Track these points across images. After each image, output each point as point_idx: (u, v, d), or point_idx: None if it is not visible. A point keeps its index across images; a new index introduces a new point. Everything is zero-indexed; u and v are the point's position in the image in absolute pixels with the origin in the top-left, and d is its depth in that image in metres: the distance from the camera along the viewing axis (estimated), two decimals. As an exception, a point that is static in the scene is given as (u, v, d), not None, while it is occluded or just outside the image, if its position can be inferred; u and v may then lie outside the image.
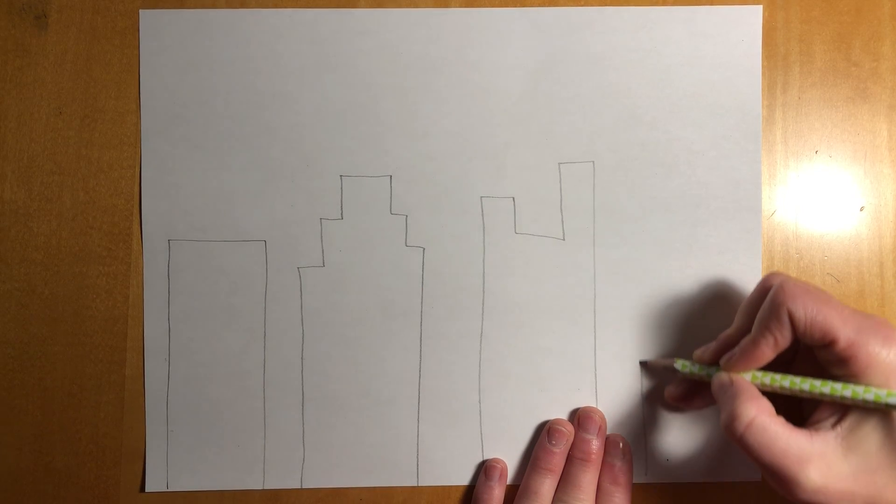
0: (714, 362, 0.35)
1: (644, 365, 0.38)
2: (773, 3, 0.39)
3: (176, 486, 0.38)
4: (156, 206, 0.38)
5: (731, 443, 0.38)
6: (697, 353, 0.36)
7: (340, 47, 0.39)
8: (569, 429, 0.37)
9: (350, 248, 0.38)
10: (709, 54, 0.38)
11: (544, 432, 0.38)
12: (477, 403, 0.39)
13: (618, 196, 0.39)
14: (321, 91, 0.38)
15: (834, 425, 0.30)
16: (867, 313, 0.31)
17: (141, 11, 0.39)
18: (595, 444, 0.37)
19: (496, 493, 0.38)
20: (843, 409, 0.31)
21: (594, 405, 0.38)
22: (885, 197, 0.39)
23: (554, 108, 0.39)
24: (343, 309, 0.38)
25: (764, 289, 0.33)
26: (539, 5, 0.39)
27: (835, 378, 0.31)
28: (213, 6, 0.39)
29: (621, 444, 0.38)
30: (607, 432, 0.38)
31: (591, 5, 0.39)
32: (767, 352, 0.31)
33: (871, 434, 0.30)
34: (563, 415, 0.38)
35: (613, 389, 0.38)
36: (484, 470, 0.38)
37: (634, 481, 0.38)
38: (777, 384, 0.32)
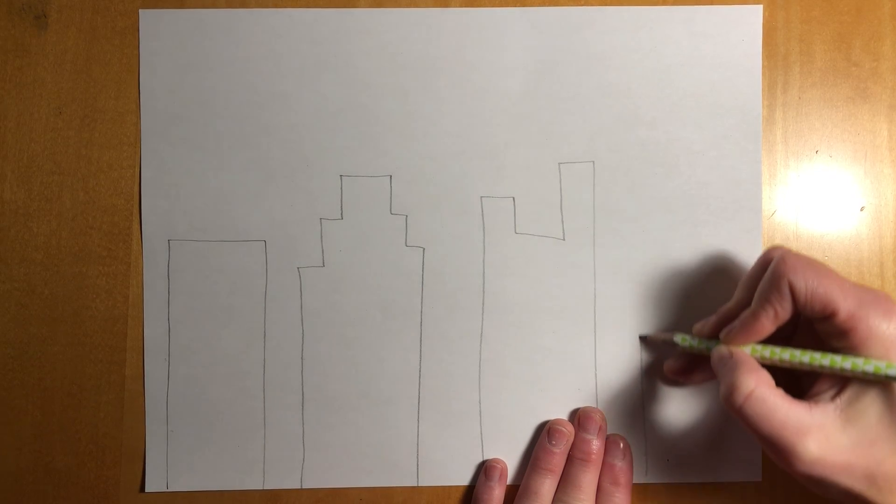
0: (714, 336, 0.35)
1: (644, 339, 0.38)
2: (773, 3, 0.39)
3: (176, 487, 0.38)
4: (156, 206, 0.38)
5: (729, 443, 0.38)
6: (697, 326, 0.36)
7: (340, 47, 0.39)
8: (569, 429, 0.37)
9: (350, 248, 0.38)
10: (709, 54, 0.38)
11: (544, 432, 0.38)
12: (477, 403, 0.39)
13: (618, 196, 0.39)
14: (321, 91, 0.38)
15: (833, 398, 0.30)
16: (868, 287, 0.31)
17: (141, 11, 0.39)
18: (595, 445, 0.37)
19: (496, 494, 0.38)
20: (842, 381, 0.31)
21: (594, 405, 0.38)
22: (885, 197, 0.39)
23: (554, 108, 0.39)
24: (343, 309, 0.38)
25: (765, 262, 0.33)
26: (539, 5, 0.39)
27: (834, 351, 0.31)
28: (213, 6, 0.39)
29: (621, 444, 0.38)
30: (607, 432, 0.38)
31: (591, 5, 0.39)
32: (767, 324, 0.31)
33: (870, 406, 0.30)
34: (563, 415, 0.38)
35: (613, 389, 0.38)
36: (484, 470, 0.38)
37: (634, 481, 0.38)
38: (777, 357, 0.32)
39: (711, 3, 0.39)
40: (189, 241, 0.38)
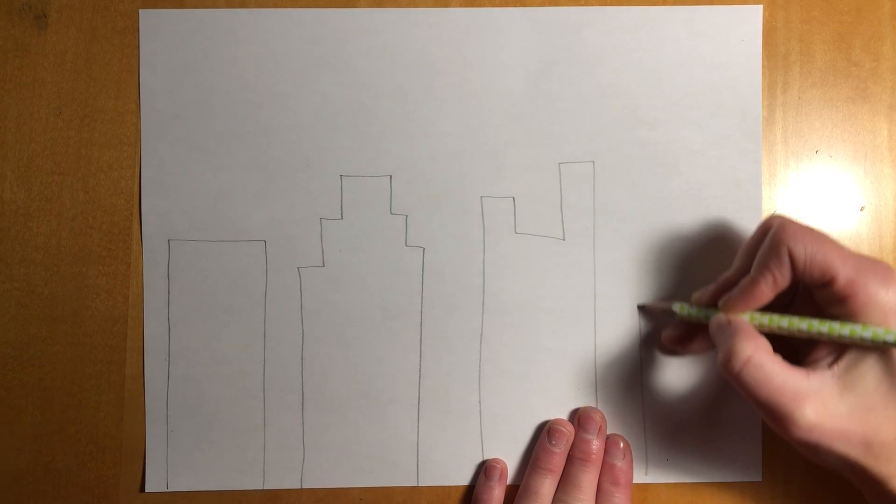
0: (712, 304, 0.35)
1: (642, 309, 0.38)
2: (773, 3, 0.39)
3: (176, 487, 0.38)
4: (156, 206, 0.38)
5: (729, 442, 0.38)
6: (696, 295, 0.36)
7: (340, 47, 0.39)
8: (569, 429, 0.37)
9: (350, 248, 0.38)
10: (709, 54, 0.38)
11: (544, 432, 0.38)
12: (477, 403, 0.39)
13: (618, 196, 0.39)
14: (321, 91, 0.38)
15: (831, 364, 0.30)
16: (867, 255, 0.31)
17: (141, 11, 0.39)
18: (595, 445, 0.37)
19: (496, 494, 0.38)
20: (840, 348, 0.31)
21: (594, 405, 0.38)
22: (885, 197, 0.39)
23: (554, 108, 0.39)
24: (343, 309, 0.38)
25: (764, 230, 0.32)
26: (539, 5, 0.39)
27: (833, 318, 0.31)
28: (213, 6, 0.39)
29: (622, 444, 0.38)
30: (607, 432, 0.38)
31: (591, 5, 0.39)
32: (766, 291, 0.31)
33: (867, 373, 0.30)
34: (563, 415, 0.38)
35: (613, 389, 0.38)
36: (484, 470, 0.38)
37: (634, 481, 0.38)
38: (775, 324, 0.32)
39: (711, 3, 0.39)
40: (189, 241, 0.38)
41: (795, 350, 0.34)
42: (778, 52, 0.39)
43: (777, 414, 0.29)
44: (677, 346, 0.37)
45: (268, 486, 0.38)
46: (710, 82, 0.38)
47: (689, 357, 0.38)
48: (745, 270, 0.33)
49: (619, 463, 0.37)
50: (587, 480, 0.37)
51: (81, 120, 0.39)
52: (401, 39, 0.39)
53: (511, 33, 0.39)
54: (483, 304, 0.38)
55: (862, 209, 0.39)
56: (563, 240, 0.39)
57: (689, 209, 0.38)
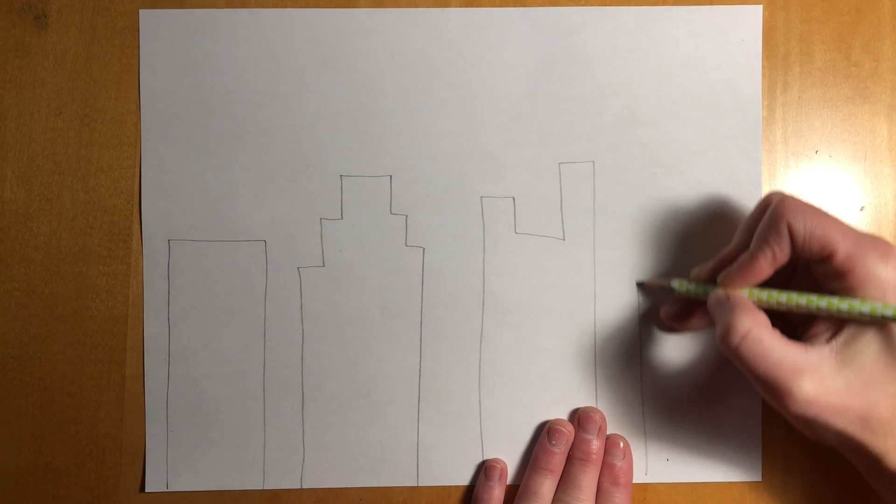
0: (711, 280, 0.34)
1: (641, 286, 0.38)
2: (773, 3, 0.39)
3: (176, 486, 0.38)
4: (156, 206, 0.38)
5: (729, 442, 0.38)
6: (695, 271, 0.36)
7: (340, 47, 0.39)
8: (569, 429, 0.37)
9: (350, 248, 0.38)
10: (709, 54, 0.38)
11: (544, 432, 0.38)
12: (477, 403, 0.39)
13: (618, 196, 0.39)
14: (321, 91, 0.38)
15: (829, 340, 0.31)
16: (867, 231, 0.31)
17: (141, 11, 0.39)
18: (595, 445, 0.37)
19: (496, 493, 0.38)
20: (838, 324, 0.31)
21: (594, 405, 0.38)
22: (885, 197, 0.39)
23: (554, 108, 0.39)
24: (343, 309, 0.38)
25: (764, 206, 0.32)
26: (539, 5, 0.39)
27: (831, 293, 0.31)
28: (213, 6, 0.39)
29: (622, 444, 0.38)
30: (607, 432, 0.38)
31: (591, 5, 0.39)
32: (765, 266, 0.31)
33: (865, 348, 0.30)
34: (563, 415, 0.38)
35: (613, 390, 0.38)
36: (484, 470, 0.38)
37: (634, 481, 0.38)
38: (774, 300, 0.32)
39: (711, 3, 0.39)
40: (189, 241, 0.38)
41: (794, 327, 0.34)
42: (778, 52, 0.39)
43: (775, 388, 0.29)
44: (676, 323, 0.37)
45: (268, 486, 0.38)
46: (710, 82, 0.38)
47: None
48: (744, 246, 0.33)
49: (619, 463, 0.37)
50: (587, 480, 0.37)
51: (81, 120, 0.39)
52: (401, 39, 0.39)
53: (511, 33, 0.39)
54: (483, 304, 0.38)
55: (862, 209, 0.39)
56: (563, 240, 0.39)
57: (689, 209, 0.38)
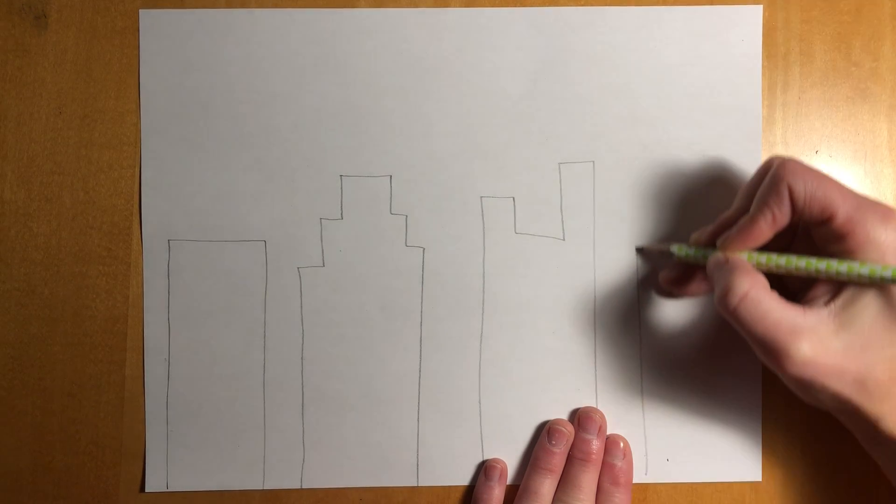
0: (711, 244, 0.34)
1: (640, 251, 0.38)
2: (773, 3, 0.39)
3: (176, 486, 0.38)
4: (156, 206, 0.38)
5: (729, 443, 0.38)
6: (694, 236, 0.36)
7: (340, 47, 0.39)
8: (569, 429, 0.37)
9: (350, 248, 0.38)
10: (709, 54, 0.38)
11: (544, 432, 0.38)
12: (477, 403, 0.39)
13: (618, 196, 0.39)
14: (321, 91, 0.38)
15: (827, 302, 0.31)
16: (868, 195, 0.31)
17: (141, 11, 0.39)
18: (595, 445, 0.37)
19: (496, 493, 0.38)
20: (837, 287, 0.31)
21: (594, 405, 0.38)
22: (885, 197, 0.39)
23: (554, 108, 0.39)
24: (343, 309, 0.38)
25: (765, 170, 0.32)
26: (539, 5, 0.39)
27: (831, 257, 0.31)
28: (213, 6, 0.39)
29: (621, 444, 0.38)
30: (607, 432, 0.38)
31: (591, 5, 0.39)
32: (765, 229, 0.31)
33: (863, 311, 0.30)
34: (563, 415, 0.38)
35: (613, 389, 0.38)
36: (484, 470, 0.38)
37: (634, 481, 0.38)
38: (773, 263, 0.32)
39: (711, 3, 0.39)
40: (189, 241, 0.38)
41: (794, 295, 0.34)
42: (778, 52, 0.39)
43: (772, 349, 0.29)
44: (675, 288, 0.37)
45: (268, 486, 0.38)
46: (710, 82, 0.38)
47: (688, 317, 0.38)
48: (744, 210, 0.33)
49: (619, 463, 0.37)
50: (587, 480, 0.37)
51: (81, 120, 0.39)
52: (401, 39, 0.39)
53: (511, 33, 0.39)
54: (483, 304, 0.38)
55: (862, 209, 0.39)
56: (563, 240, 0.39)
57: (689, 209, 0.38)
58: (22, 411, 0.38)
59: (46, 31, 0.39)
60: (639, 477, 0.38)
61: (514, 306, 0.38)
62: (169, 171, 0.38)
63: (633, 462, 0.38)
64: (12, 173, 0.39)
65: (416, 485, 0.39)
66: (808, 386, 0.30)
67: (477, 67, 0.39)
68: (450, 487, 0.39)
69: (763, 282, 0.31)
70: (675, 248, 0.35)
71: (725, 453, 0.38)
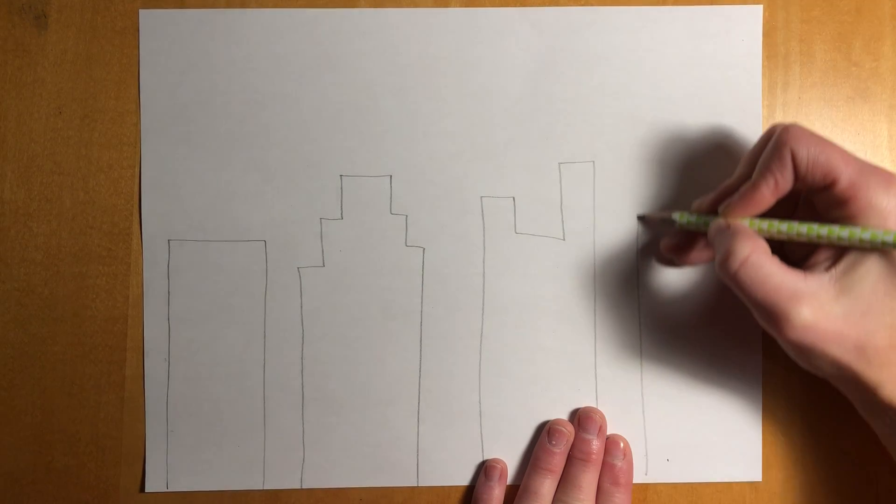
0: (713, 211, 0.34)
1: (642, 219, 0.38)
2: (773, 3, 0.39)
3: (176, 487, 0.38)
4: (156, 206, 0.38)
5: (729, 443, 0.38)
6: (696, 203, 0.36)
7: (340, 47, 0.39)
8: (569, 429, 0.37)
9: (350, 248, 0.38)
10: (709, 54, 0.38)
11: (544, 432, 0.38)
12: (477, 403, 0.39)
13: (618, 196, 0.39)
14: (321, 91, 0.38)
15: (829, 268, 0.30)
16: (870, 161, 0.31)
17: (141, 11, 0.39)
18: (595, 445, 0.37)
19: (496, 493, 0.38)
20: (838, 253, 0.31)
21: (594, 405, 0.38)
22: (885, 197, 0.39)
23: (554, 108, 0.39)
24: (343, 309, 0.38)
25: (767, 138, 0.32)
26: (539, 5, 0.39)
27: (832, 223, 0.31)
28: (213, 6, 0.39)
29: (621, 444, 0.38)
30: (608, 432, 0.38)
31: (591, 5, 0.39)
32: (767, 195, 0.31)
33: (864, 277, 0.30)
34: (563, 415, 0.38)
35: (613, 389, 0.38)
36: (484, 470, 0.38)
37: (634, 481, 0.38)
38: (774, 229, 0.32)
39: (711, 3, 0.39)
40: (189, 241, 0.38)
41: (795, 263, 0.34)
42: (778, 52, 0.39)
43: (773, 313, 0.29)
44: (676, 256, 0.37)
45: (268, 486, 0.38)
46: (710, 82, 0.38)
47: (688, 303, 0.38)
48: (746, 177, 0.33)
49: (619, 463, 0.37)
50: (587, 480, 0.37)
51: (81, 120, 0.39)
52: (401, 39, 0.39)
53: (511, 33, 0.39)
54: (483, 304, 0.38)
55: (862, 209, 0.39)
56: (563, 240, 0.39)
57: (688, 209, 0.38)
58: (22, 411, 0.38)
59: (46, 31, 0.39)
60: (639, 477, 0.38)
61: (514, 306, 0.38)
62: (169, 171, 0.38)
63: (633, 462, 0.38)
64: (12, 173, 0.39)
65: (416, 485, 0.39)
66: (807, 352, 0.30)
67: (477, 67, 0.39)
68: (450, 487, 0.39)
69: (764, 246, 0.31)
70: (677, 216, 0.35)
71: (725, 453, 0.38)
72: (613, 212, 0.38)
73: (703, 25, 0.38)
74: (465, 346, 0.38)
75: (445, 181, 0.39)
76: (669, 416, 0.38)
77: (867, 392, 0.30)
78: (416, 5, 0.39)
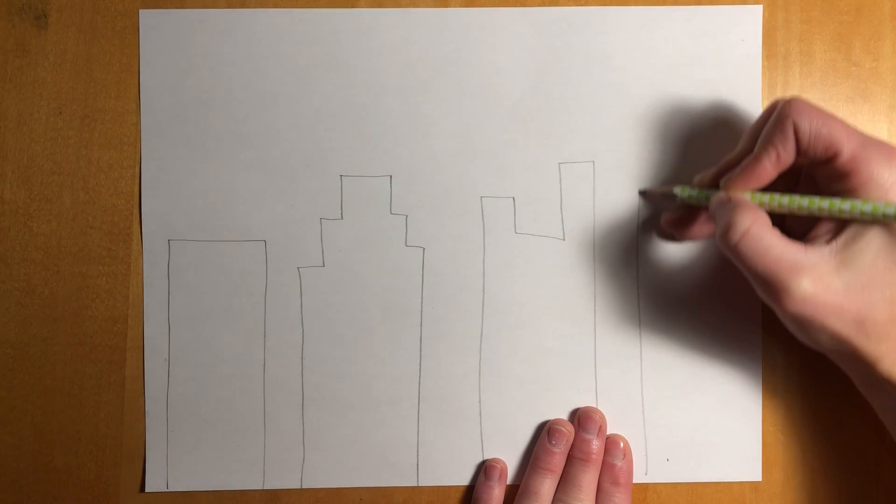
0: (714, 185, 0.34)
1: (643, 194, 0.38)
2: (773, 3, 0.39)
3: (176, 487, 0.38)
4: (156, 206, 0.38)
5: (729, 442, 0.38)
6: (698, 177, 0.35)
7: (340, 47, 0.39)
8: (569, 429, 0.37)
9: (350, 248, 0.38)
10: (709, 54, 0.38)
11: (544, 432, 0.38)
12: (477, 403, 0.39)
13: (618, 196, 0.39)
14: (321, 91, 0.38)
15: (829, 241, 0.30)
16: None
17: (141, 11, 0.39)
18: (595, 444, 0.37)
19: (496, 493, 0.38)
20: (840, 226, 0.31)
21: (594, 405, 0.38)
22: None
23: (554, 108, 0.39)
24: (343, 309, 0.38)
25: (770, 112, 0.32)
26: (539, 5, 0.39)
27: (834, 196, 0.31)
28: (213, 6, 0.39)
29: (621, 444, 0.38)
30: (608, 432, 0.38)
31: (591, 5, 0.39)
32: (769, 168, 0.31)
33: (865, 250, 0.30)
34: (563, 415, 0.38)
35: (613, 389, 0.38)
36: (484, 470, 0.38)
37: (634, 481, 0.38)
38: (776, 202, 0.32)
39: (711, 3, 0.39)
40: (189, 241, 0.38)
41: (796, 238, 0.33)
42: (778, 52, 0.39)
43: (773, 285, 0.29)
44: (677, 231, 0.37)
45: (268, 486, 0.38)
46: (710, 82, 0.38)
47: (689, 304, 0.38)
48: (748, 151, 0.33)
49: (619, 463, 0.37)
50: (587, 480, 0.37)
51: (81, 120, 0.39)
52: (401, 39, 0.39)
53: (511, 33, 0.39)
54: (483, 304, 0.38)
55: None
56: (563, 240, 0.39)
57: (692, 157, 0.38)
58: (22, 411, 0.38)
59: (46, 31, 0.39)
60: (639, 477, 0.38)
61: (514, 306, 0.38)
62: (169, 171, 0.38)
63: (633, 462, 0.38)
64: (12, 173, 0.39)
65: (416, 485, 0.39)
66: (806, 324, 0.30)
67: (477, 67, 0.39)
68: (450, 487, 0.39)
69: (765, 219, 0.31)
70: (678, 190, 0.35)
71: (725, 453, 0.38)
72: (613, 212, 0.38)
73: (703, 25, 0.38)
74: (465, 346, 0.38)
75: (445, 181, 0.39)
76: (669, 416, 0.38)
77: (866, 366, 0.30)
78: (416, 5, 0.39)
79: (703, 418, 0.38)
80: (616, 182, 0.39)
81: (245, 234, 0.38)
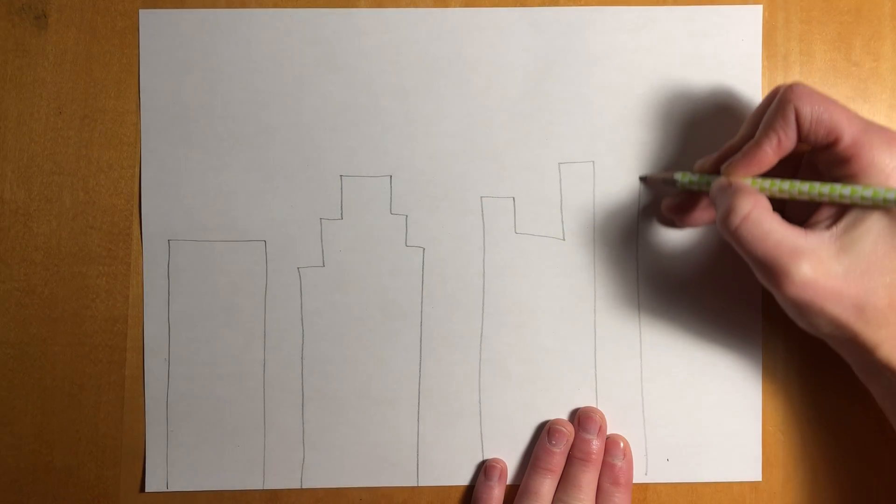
0: (715, 171, 0.34)
1: (644, 180, 0.38)
2: (773, 3, 0.39)
3: (176, 486, 0.38)
4: (156, 206, 0.38)
5: (729, 443, 0.38)
6: (699, 163, 0.35)
7: (340, 47, 0.39)
8: (569, 429, 0.37)
9: (350, 248, 0.38)
10: (709, 54, 0.38)
11: (544, 432, 0.38)
12: (477, 403, 0.39)
13: (618, 196, 0.39)
14: (321, 91, 0.38)
15: (829, 226, 0.30)
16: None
17: (141, 11, 0.39)
18: (595, 444, 0.37)
19: (496, 493, 0.38)
20: (840, 211, 0.31)
21: (594, 405, 0.38)
22: (885, 197, 0.39)
23: (554, 108, 0.39)
24: (343, 309, 0.38)
25: (771, 98, 0.32)
26: (539, 5, 0.39)
27: (835, 181, 0.31)
28: (213, 6, 0.39)
29: (622, 444, 0.38)
30: (608, 432, 0.38)
31: (591, 5, 0.39)
32: (770, 153, 0.31)
33: (865, 235, 0.30)
34: (563, 415, 0.38)
35: (613, 389, 0.38)
36: (484, 470, 0.38)
37: (634, 481, 0.38)
38: (776, 187, 0.32)
39: (711, 3, 0.39)
40: (189, 241, 0.38)
41: (796, 224, 0.33)
42: (778, 52, 0.39)
43: (773, 269, 0.29)
44: (677, 217, 0.37)
45: (268, 486, 0.38)
46: (711, 82, 0.38)
47: (690, 305, 0.38)
48: (749, 137, 0.33)
49: (619, 463, 0.37)
50: (587, 480, 0.37)
51: (81, 120, 0.39)
52: (401, 39, 0.39)
53: (511, 33, 0.39)
54: (483, 304, 0.38)
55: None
56: (563, 240, 0.39)
57: (693, 144, 0.38)
58: (22, 411, 0.38)
59: (46, 31, 0.39)
60: (639, 477, 0.38)
61: (514, 306, 0.38)
62: (169, 171, 0.38)
63: (633, 462, 0.38)
64: (12, 173, 0.39)
65: (416, 485, 0.39)
66: (806, 309, 0.30)
67: (477, 67, 0.39)
68: (450, 487, 0.39)
69: (765, 203, 0.31)
70: (679, 176, 0.35)
71: (725, 453, 0.38)
72: (613, 212, 0.38)
73: (703, 25, 0.38)
74: (465, 346, 0.38)
75: (445, 181, 0.39)
76: (669, 416, 0.38)
77: (865, 352, 0.30)
78: (416, 5, 0.39)
79: (703, 418, 0.38)
80: (616, 182, 0.39)
81: (245, 234, 0.38)
